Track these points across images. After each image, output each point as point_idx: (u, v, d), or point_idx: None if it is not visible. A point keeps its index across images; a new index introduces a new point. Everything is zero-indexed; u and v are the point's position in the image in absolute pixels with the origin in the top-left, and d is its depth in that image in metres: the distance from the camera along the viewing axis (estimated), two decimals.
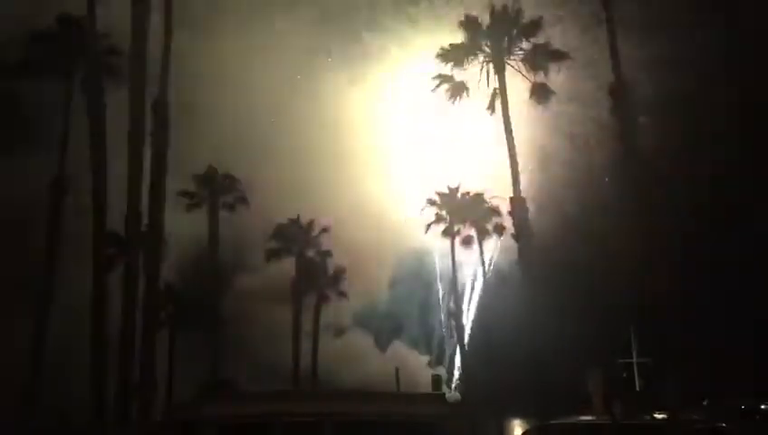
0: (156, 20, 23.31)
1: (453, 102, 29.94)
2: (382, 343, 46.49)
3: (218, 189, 38.27)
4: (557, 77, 29.20)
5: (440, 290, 48.73)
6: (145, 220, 22.62)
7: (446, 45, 29.77)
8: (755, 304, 27.35)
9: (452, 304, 44.67)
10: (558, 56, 28.89)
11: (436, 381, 43.30)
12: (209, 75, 42.13)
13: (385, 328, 47.25)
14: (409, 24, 50.45)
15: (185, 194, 37.16)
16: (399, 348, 47.26)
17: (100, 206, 24.61)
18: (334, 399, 8.63)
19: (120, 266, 25.17)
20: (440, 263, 46.79)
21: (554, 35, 30.05)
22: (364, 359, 44.49)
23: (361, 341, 45.90)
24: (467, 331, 42.52)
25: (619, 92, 25.68)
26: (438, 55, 29.80)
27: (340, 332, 43.32)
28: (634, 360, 28.84)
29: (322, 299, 40.95)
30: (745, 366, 27.29)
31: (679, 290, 26.64)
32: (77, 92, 27.03)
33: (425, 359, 47.69)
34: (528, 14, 29.22)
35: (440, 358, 47.87)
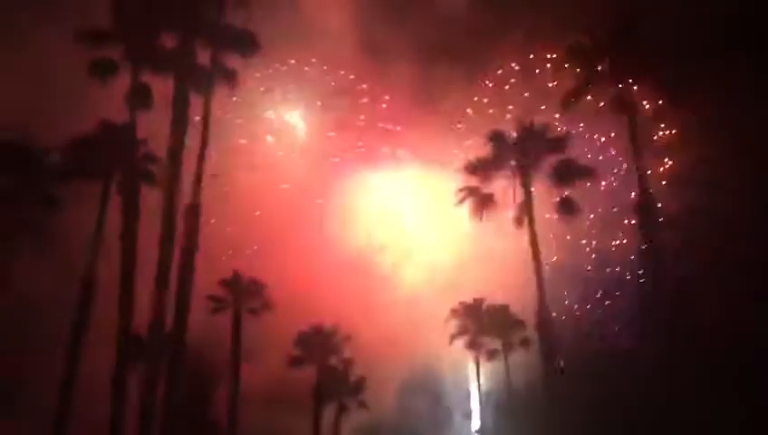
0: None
1: (480, 217, 30.08)
2: None
3: (243, 294, 38.35)
4: (583, 191, 29.52)
5: (460, 405, 47.05)
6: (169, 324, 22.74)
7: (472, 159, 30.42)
8: None
9: (478, 421, 43.33)
10: (584, 172, 29.25)
11: None
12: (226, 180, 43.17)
13: None
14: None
15: (210, 298, 37.25)
16: None
17: (127, 308, 24.78)
18: None
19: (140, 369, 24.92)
20: (462, 376, 45.57)
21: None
22: None
23: None
24: None
25: (644, 209, 25.91)
26: (465, 168, 30.36)
27: None
28: None
29: (342, 409, 40.08)
30: None
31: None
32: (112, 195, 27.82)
33: None
34: (555, 130, 29.90)
35: None
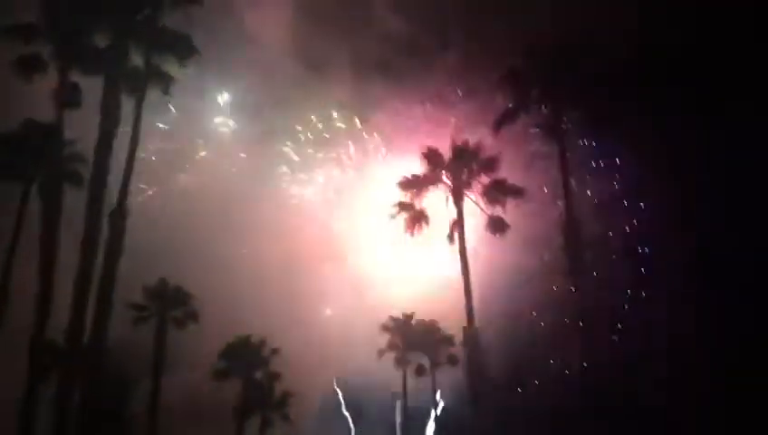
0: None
1: (412, 232, 30.29)
2: None
3: (168, 303, 37.22)
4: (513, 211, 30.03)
5: (385, 420, 46.95)
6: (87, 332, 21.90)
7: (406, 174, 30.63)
8: None
9: None
10: (514, 192, 29.84)
11: None
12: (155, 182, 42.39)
13: None
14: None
15: (133, 306, 36.03)
16: None
17: (43, 313, 23.76)
18: None
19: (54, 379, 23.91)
20: (389, 391, 45.55)
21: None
22: None
23: None
24: None
25: (570, 229, 26.59)
26: (400, 184, 30.57)
27: None
28: None
29: (266, 423, 39.34)
30: None
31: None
32: (33, 197, 26.80)
33: None
34: (488, 151, 30.36)
35: None
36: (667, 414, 29.20)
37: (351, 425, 48.49)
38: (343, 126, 53.31)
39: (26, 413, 23.25)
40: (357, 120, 52.78)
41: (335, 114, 53.00)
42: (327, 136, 53.28)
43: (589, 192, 38.91)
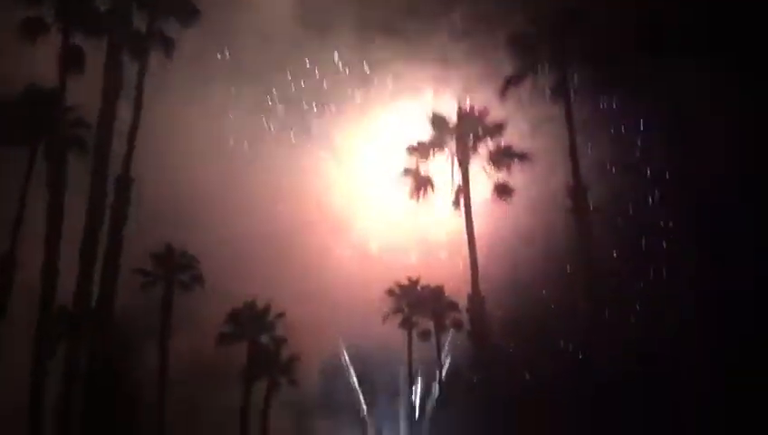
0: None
1: (418, 198, 30.19)
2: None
3: (174, 268, 37.42)
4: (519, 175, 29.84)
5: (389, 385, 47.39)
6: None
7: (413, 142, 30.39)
8: None
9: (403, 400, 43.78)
10: (520, 157, 29.65)
11: None
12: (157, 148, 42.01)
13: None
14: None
15: (140, 271, 36.23)
16: None
17: (50, 281, 23.84)
18: None
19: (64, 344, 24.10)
20: (393, 356, 45.86)
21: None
22: None
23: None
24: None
25: (577, 193, 26.45)
26: (407, 149, 30.38)
27: None
28: None
29: (273, 386, 39.70)
30: None
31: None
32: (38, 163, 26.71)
33: None
34: (494, 115, 30.08)
35: None
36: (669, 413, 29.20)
37: (357, 386, 48.92)
38: (347, 71, 52.27)
39: (36, 378, 23.41)
40: (365, 63, 51.66)
41: (336, 55, 51.84)
42: (325, 87, 52.50)
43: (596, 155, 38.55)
